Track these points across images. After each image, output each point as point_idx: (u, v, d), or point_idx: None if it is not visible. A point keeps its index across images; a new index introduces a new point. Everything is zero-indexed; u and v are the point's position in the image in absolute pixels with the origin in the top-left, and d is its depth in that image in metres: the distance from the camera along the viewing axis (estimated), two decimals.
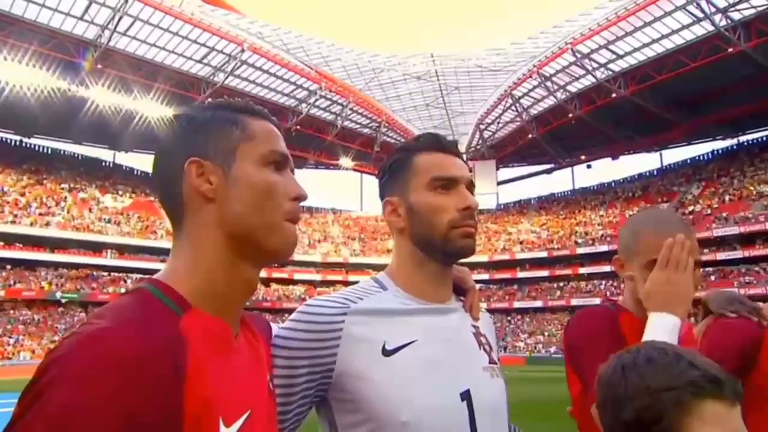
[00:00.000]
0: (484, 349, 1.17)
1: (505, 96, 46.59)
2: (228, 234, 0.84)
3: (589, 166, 54.90)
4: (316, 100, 44.89)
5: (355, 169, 57.27)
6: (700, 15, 32.45)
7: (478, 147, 57.10)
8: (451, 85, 47.41)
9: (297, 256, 48.18)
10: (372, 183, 62.97)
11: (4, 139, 43.57)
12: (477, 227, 1.17)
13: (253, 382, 0.85)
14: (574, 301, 42.87)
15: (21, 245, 36.06)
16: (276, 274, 46.24)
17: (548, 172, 58.62)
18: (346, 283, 49.46)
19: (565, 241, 48.39)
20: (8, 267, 35.92)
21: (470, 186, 1.19)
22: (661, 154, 52.35)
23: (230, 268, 0.84)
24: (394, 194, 1.20)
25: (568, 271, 46.74)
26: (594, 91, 40.92)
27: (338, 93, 45.14)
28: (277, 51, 39.91)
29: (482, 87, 47.61)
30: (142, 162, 52.86)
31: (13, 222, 36.07)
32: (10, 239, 35.50)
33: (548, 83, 42.58)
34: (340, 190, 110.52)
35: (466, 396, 1.05)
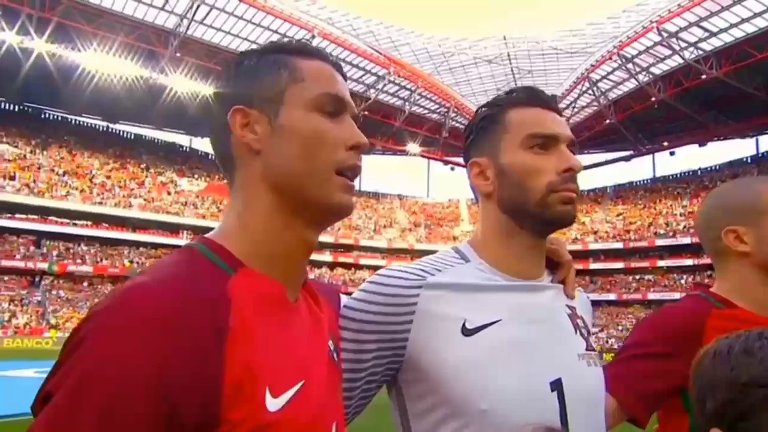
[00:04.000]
0: (581, 334, 1.02)
1: (581, 79, 44.36)
2: (275, 188, 0.77)
3: (672, 153, 51.45)
4: (385, 85, 44.71)
5: (422, 155, 56.73)
6: None
7: None
8: (523, 68, 45.74)
9: (363, 242, 48.62)
10: (439, 169, 62.41)
11: (92, 125, 46.51)
12: (579, 192, 1.01)
13: (311, 350, 0.78)
14: (652, 295, 41.01)
15: (107, 225, 38.48)
16: (342, 259, 46.90)
17: (626, 159, 55.59)
18: None
19: (644, 232, 45.92)
20: (95, 245, 38.47)
21: (572, 145, 1.02)
22: (757, 140, 48.13)
23: (282, 226, 0.78)
24: (482, 155, 1.04)
25: (645, 264, 44.37)
26: (681, 73, 38.06)
27: (407, 78, 44.70)
28: (346, 36, 39.99)
29: (557, 70, 45.61)
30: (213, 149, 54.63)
31: (100, 203, 38.51)
32: (97, 219, 37.97)
33: (629, 65, 40.08)
34: (407, 176, 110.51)
35: (557, 385, 0.92)
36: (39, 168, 38.17)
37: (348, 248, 48.19)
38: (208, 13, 34.62)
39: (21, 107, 42.80)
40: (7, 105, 42.00)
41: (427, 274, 0.99)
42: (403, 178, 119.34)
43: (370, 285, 0.98)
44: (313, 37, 37.81)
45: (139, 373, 0.59)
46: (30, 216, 35.11)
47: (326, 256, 46.45)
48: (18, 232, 35.02)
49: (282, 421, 0.67)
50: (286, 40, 0.84)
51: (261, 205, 0.77)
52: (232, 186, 0.80)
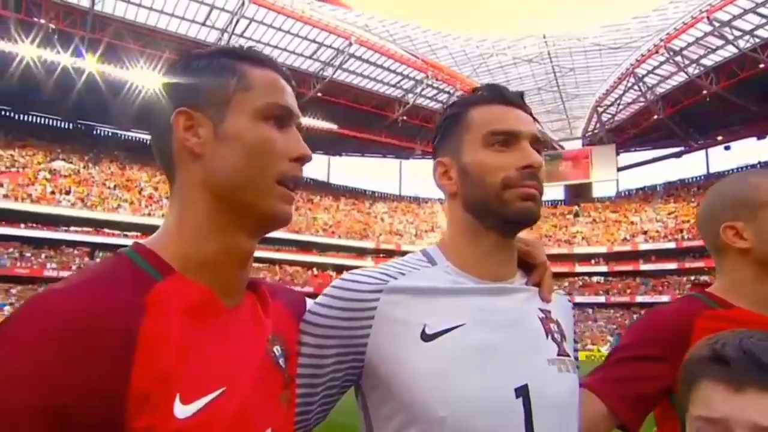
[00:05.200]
0: (554, 338, 0.99)
1: (626, 75, 42.91)
2: (213, 194, 0.77)
3: (727, 148, 49.06)
4: (423, 89, 44.50)
5: None
6: None
7: (596, 131, 53.42)
8: (565, 66, 44.60)
9: (404, 247, 48.39)
10: None
11: (140, 139, 48.15)
12: (542, 190, 0.99)
13: (243, 356, 0.77)
14: None
15: None
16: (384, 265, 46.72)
17: (677, 155, 53.39)
18: None
19: (698, 231, 43.75)
20: None
21: (536, 142, 1.00)
22: None
23: (218, 234, 0.77)
24: (446, 154, 1.04)
25: (700, 264, 42.26)
26: (735, 63, 36.27)
27: (445, 81, 44.33)
28: (383, 42, 40.03)
29: (600, 67, 44.25)
30: None
31: (148, 214, 39.75)
32: (146, 230, 39.15)
33: (678, 58, 38.48)
34: None
35: (522, 391, 0.90)
36: (92, 182, 39.74)
37: (389, 254, 48.04)
38: (247, 26, 35.31)
39: (74, 125, 44.74)
40: (62, 123, 43.98)
41: (389, 278, 0.96)
42: None
43: (332, 290, 0.96)
44: (351, 44, 38.03)
45: (24, 385, 0.58)
46: (84, 228, 36.54)
47: (368, 262, 46.47)
48: (74, 244, 36.48)
49: (191, 428, 0.66)
50: (237, 45, 0.82)
51: (197, 210, 0.77)
52: (172, 188, 0.79)
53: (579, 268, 47.14)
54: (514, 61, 44.31)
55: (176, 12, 33.45)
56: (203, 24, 34.81)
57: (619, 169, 55.21)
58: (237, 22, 34.27)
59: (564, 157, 54.70)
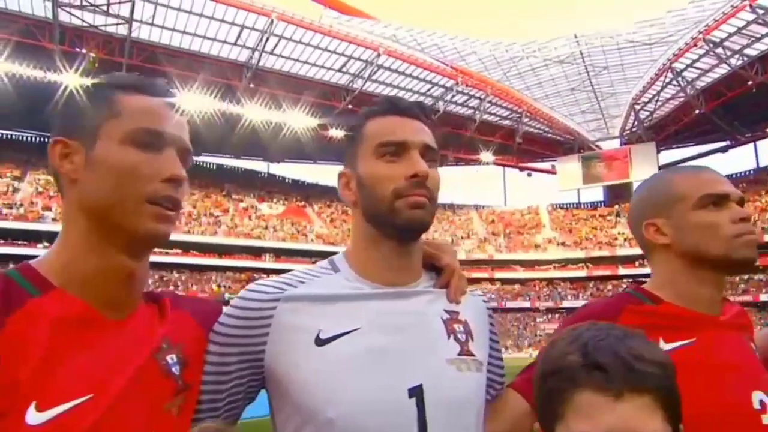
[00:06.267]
0: (457, 338, 1.02)
1: (663, 70, 41.57)
2: (88, 215, 0.83)
3: None
4: (453, 96, 44.29)
5: (496, 163, 55.47)
6: None
7: (634, 129, 51.93)
8: (598, 65, 43.55)
9: None
10: (515, 176, 60.70)
11: None
12: (434, 198, 1.03)
13: (118, 366, 0.81)
14: (765, 296, 37.89)
15: (196, 252, 40.52)
16: None
17: (723, 150, 51.34)
18: (492, 281, 48.70)
19: None
20: (186, 272, 40.58)
21: (427, 151, 1.03)
22: None
23: (94, 253, 0.83)
24: (348, 166, 1.08)
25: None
26: None
27: (475, 86, 43.99)
28: (411, 52, 40.04)
29: (635, 64, 43.00)
30: (292, 171, 56.57)
31: (188, 232, 40.67)
32: (187, 247, 40.07)
33: (718, 49, 37.04)
34: (482, 186, 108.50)
35: (416, 392, 0.93)
36: None
37: None
38: (277, 44, 35.90)
39: None
40: None
41: (288, 286, 1.00)
42: (478, 188, 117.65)
43: (236, 301, 1.00)
44: (379, 55, 38.18)
45: None
46: None
47: None
48: None
49: None
50: (120, 74, 0.90)
51: (76, 231, 0.83)
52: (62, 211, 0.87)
53: (622, 271, 45.69)
54: (546, 62, 43.56)
55: (208, 34, 34.36)
56: (235, 44, 35.59)
57: (661, 167, 53.22)
58: (267, 40, 34.90)
59: (602, 157, 53.36)
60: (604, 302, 1.24)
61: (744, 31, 35.10)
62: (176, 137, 0.88)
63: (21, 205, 35.43)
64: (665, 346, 1.06)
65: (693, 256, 1.15)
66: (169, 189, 0.84)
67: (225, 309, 1.02)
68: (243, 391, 1.00)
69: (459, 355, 0.99)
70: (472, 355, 1.02)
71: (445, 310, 1.04)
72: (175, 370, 0.88)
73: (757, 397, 1.05)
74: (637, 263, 44.94)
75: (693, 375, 1.01)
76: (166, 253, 39.38)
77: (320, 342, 0.94)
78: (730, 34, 35.72)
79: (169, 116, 0.89)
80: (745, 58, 37.05)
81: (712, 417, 1.00)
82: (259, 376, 0.99)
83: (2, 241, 32.89)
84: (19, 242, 33.34)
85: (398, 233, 1.01)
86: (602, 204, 56.02)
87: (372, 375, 0.92)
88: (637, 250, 45.56)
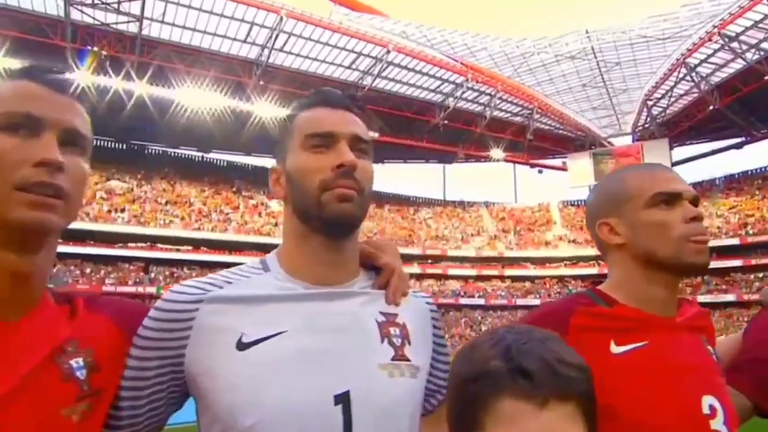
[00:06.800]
0: (391, 342, 0.97)
1: (677, 65, 41.03)
2: None
3: None
4: (463, 92, 43.98)
5: (507, 160, 55.06)
6: None
7: (647, 125, 51.35)
8: (610, 61, 43.10)
9: (450, 252, 47.81)
10: (526, 173, 60.31)
11: (189, 156, 49.73)
12: (363, 190, 0.98)
13: (3, 369, 0.80)
14: None
15: (206, 249, 40.71)
16: (430, 270, 46.33)
17: (738, 146, 50.54)
18: (502, 278, 48.44)
19: (764, 225, 41.33)
20: (196, 268, 40.78)
21: (357, 142, 0.99)
22: None
23: None
24: (278, 162, 1.05)
25: None
26: None
27: (485, 83, 43.68)
28: (421, 48, 39.86)
29: (648, 59, 42.48)
30: None
31: (198, 229, 40.86)
32: (197, 244, 40.26)
33: (734, 44, 36.46)
34: (493, 183, 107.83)
35: (342, 398, 0.89)
36: (145, 200, 41.22)
37: (436, 259, 47.59)
38: (286, 41, 35.86)
39: (127, 145, 46.63)
40: (115, 144, 45.94)
41: (213, 287, 0.96)
42: (488, 185, 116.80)
43: (158, 302, 0.97)
44: (388, 52, 38.04)
45: None
46: (139, 244, 37.89)
47: (414, 268, 46.14)
48: (129, 260, 37.90)
49: None
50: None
51: None
52: None
53: None
54: (557, 58, 43.17)
55: (218, 31, 34.36)
56: (244, 41, 35.60)
57: (674, 164, 52.75)
58: (276, 37, 34.89)
59: (614, 154, 52.85)
60: (557, 303, 1.19)
61: (761, 25, 34.49)
62: (56, 120, 0.83)
63: None
64: (616, 349, 1.04)
65: (645, 257, 1.12)
66: (42, 174, 0.79)
67: (149, 311, 0.97)
68: (164, 397, 0.95)
69: (392, 359, 0.95)
70: (408, 360, 0.97)
71: (382, 312, 1.00)
72: (80, 374, 0.85)
73: (707, 401, 1.03)
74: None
75: (643, 378, 1.01)
76: (177, 250, 39.66)
77: (242, 346, 0.90)
78: (746, 28, 35.13)
79: (48, 99, 0.83)
80: (762, 53, 36.43)
81: (661, 421, 0.98)
82: (180, 381, 0.94)
83: None
84: None
85: (326, 228, 0.97)
86: None
87: (296, 380, 0.88)
88: None
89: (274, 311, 0.94)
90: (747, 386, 1.22)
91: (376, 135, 43.92)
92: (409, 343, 0.99)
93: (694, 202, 1.15)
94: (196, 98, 37.40)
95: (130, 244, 37.65)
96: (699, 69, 40.75)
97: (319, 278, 0.98)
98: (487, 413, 0.70)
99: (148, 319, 0.95)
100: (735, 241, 41.74)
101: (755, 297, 38.80)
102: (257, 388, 0.87)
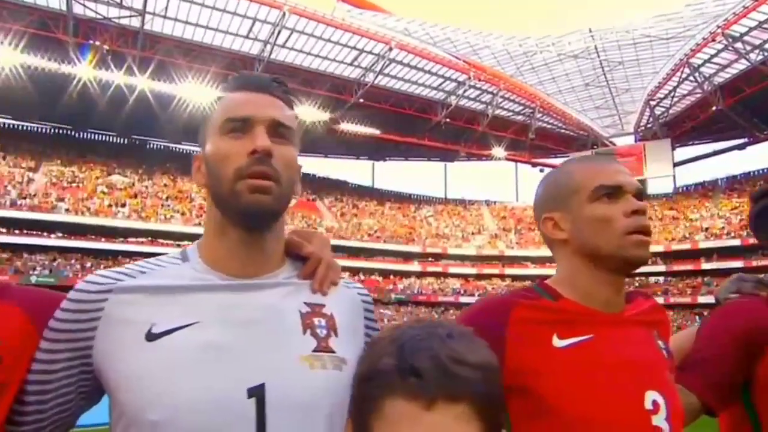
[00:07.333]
0: (314, 333, 0.94)
1: (680, 65, 40.91)
2: None
3: None
4: (465, 90, 43.91)
5: (508, 159, 55.04)
6: None
7: (649, 125, 51.23)
8: (613, 60, 43.00)
9: (451, 250, 47.79)
10: (527, 172, 60.20)
11: (189, 151, 49.71)
12: (281, 179, 0.93)
13: None
14: None
15: None
16: (430, 268, 46.33)
17: (740, 147, 50.42)
18: (503, 277, 48.43)
19: None
20: None
21: (277, 127, 0.96)
22: None
23: None
24: (202, 148, 1.01)
25: None
26: None
27: (488, 81, 43.61)
28: (423, 45, 39.82)
29: (651, 59, 42.38)
30: (302, 164, 56.48)
31: (198, 224, 40.83)
32: (197, 238, 40.23)
33: (738, 44, 36.34)
34: (494, 181, 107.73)
35: (256, 391, 0.85)
36: (146, 194, 41.26)
37: (436, 257, 47.59)
38: (288, 37, 35.81)
39: (129, 140, 46.67)
40: (117, 139, 46.00)
41: (126, 277, 0.93)
42: (489, 184, 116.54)
43: (69, 293, 0.93)
44: (391, 49, 37.99)
45: None
46: (140, 239, 37.94)
47: (414, 266, 46.15)
48: (130, 254, 37.91)
49: None
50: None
51: None
52: None
53: None
54: (560, 57, 43.09)
55: (221, 27, 34.34)
56: (246, 37, 35.55)
57: (676, 164, 52.66)
58: (278, 33, 34.84)
59: (616, 153, 52.77)
60: (500, 296, 1.16)
61: (765, 26, 34.38)
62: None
63: (35, 195, 35.77)
64: (559, 343, 1.01)
65: (588, 253, 1.09)
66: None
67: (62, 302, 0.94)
68: (73, 391, 0.91)
69: (314, 351, 0.91)
70: (332, 351, 0.93)
71: (306, 303, 0.96)
72: None
73: (650, 396, 1.01)
74: (649, 261, 44.42)
75: (585, 372, 0.99)
76: (178, 245, 39.67)
77: (152, 337, 0.87)
78: (750, 29, 35.00)
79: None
80: (766, 54, 36.31)
81: (602, 415, 0.97)
82: (90, 375, 0.91)
83: (17, 231, 33.26)
84: (33, 232, 33.72)
85: (242, 219, 0.93)
86: None
87: (207, 372, 0.84)
88: (651, 248, 45.35)
89: (188, 302, 0.90)
90: (697, 385, 1.22)
91: (377, 132, 43.91)
92: (336, 334, 0.96)
93: (638, 195, 1.10)
94: (198, 93, 37.33)
95: (130, 239, 37.68)
96: (702, 69, 40.64)
97: (238, 270, 0.95)
98: (374, 415, 0.67)
99: (59, 310, 0.92)
100: (736, 242, 41.65)
101: None
102: (165, 381, 0.84)
